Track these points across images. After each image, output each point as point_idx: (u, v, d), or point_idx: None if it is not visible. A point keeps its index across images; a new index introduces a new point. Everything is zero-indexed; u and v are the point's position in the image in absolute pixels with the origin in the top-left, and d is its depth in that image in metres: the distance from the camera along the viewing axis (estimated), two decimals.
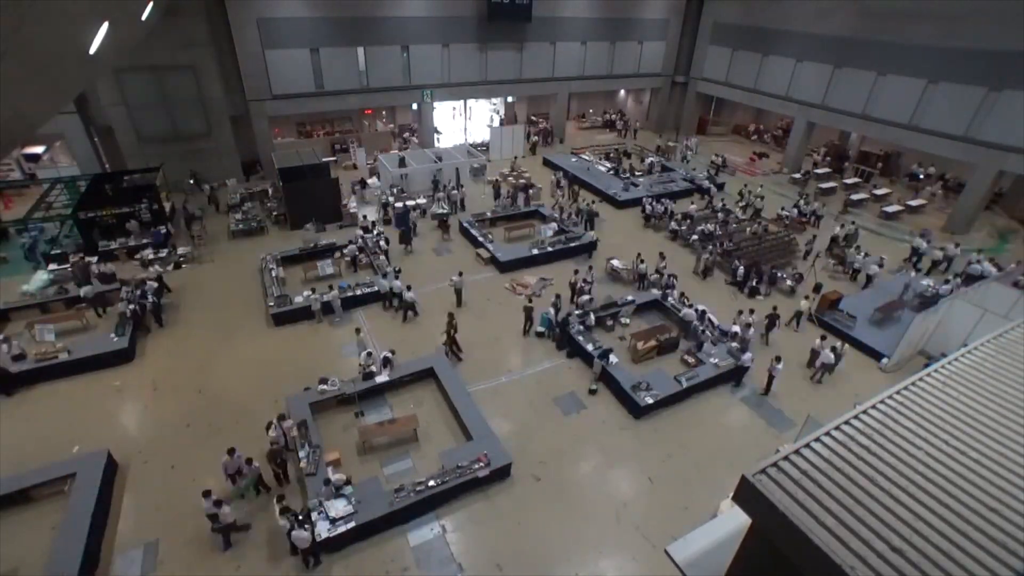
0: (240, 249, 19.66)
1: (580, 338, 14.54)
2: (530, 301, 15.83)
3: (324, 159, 24.94)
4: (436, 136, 32.73)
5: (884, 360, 14.70)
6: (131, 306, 14.69)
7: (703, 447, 12.14)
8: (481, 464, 10.63)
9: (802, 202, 24.16)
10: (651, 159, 29.61)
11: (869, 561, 4.07)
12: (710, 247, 19.31)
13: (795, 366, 14.66)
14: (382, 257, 18.45)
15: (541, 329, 15.39)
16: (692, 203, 24.21)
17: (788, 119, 32.14)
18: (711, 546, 6.37)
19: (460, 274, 16.55)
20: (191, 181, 23.81)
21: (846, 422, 5.38)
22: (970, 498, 4.52)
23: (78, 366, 13.35)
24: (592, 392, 13.35)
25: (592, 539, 10.01)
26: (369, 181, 25.37)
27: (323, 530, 9.31)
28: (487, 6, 27.32)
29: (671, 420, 12.80)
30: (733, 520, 6.40)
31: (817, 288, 17.67)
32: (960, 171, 26.56)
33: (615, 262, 18.66)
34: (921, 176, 28.61)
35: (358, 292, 16.46)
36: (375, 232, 19.80)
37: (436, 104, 30.30)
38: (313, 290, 15.98)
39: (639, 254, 17.98)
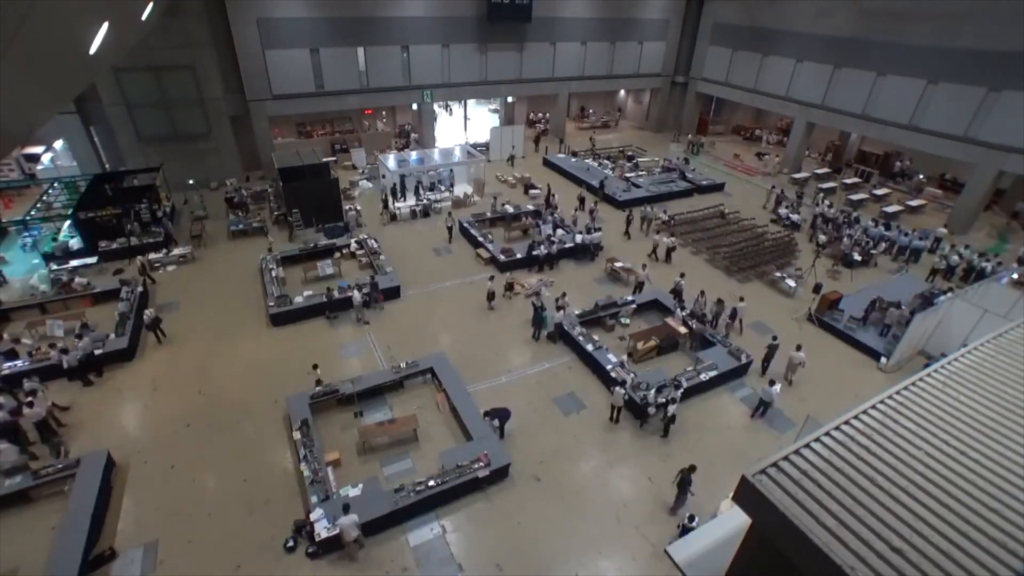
0: (240, 249, 19.66)
1: (580, 338, 14.58)
2: (539, 302, 15.51)
3: (324, 159, 24.94)
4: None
5: (883, 360, 14.70)
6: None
7: (703, 447, 12.14)
8: (481, 464, 10.63)
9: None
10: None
11: (869, 561, 4.08)
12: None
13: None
14: (382, 257, 18.44)
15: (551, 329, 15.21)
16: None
17: (789, 119, 32.14)
18: (711, 546, 6.38)
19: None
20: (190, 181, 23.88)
21: (846, 422, 5.38)
22: (970, 498, 4.52)
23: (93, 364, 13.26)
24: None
25: (592, 539, 10.01)
26: (362, 183, 25.27)
27: (322, 530, 9.32)
28: (487, 6, 27.33)
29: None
30: (733, 520, 6.41)
31: (817, 288, 17.68)
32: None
33: (617, 264, 18.69)
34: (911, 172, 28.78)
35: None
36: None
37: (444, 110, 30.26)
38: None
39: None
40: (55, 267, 17.31)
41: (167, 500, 10.43)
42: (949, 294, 16.05)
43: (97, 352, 13.27)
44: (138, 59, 20.66)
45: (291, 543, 9.57)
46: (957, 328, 14.72)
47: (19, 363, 12.93)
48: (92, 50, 9.67)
